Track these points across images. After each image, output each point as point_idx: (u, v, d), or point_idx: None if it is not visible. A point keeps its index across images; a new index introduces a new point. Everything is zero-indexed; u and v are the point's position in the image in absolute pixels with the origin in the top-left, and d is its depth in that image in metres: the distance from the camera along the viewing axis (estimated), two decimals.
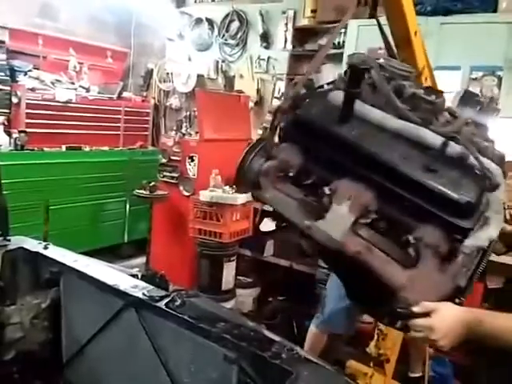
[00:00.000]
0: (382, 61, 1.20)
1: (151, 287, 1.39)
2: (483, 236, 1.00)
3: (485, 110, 1.16)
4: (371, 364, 2.19)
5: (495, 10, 3.31)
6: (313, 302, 3.39)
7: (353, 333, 2.81)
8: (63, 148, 4.26)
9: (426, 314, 0.97)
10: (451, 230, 1.00)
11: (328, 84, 1.27)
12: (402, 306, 0.98)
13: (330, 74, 1.30)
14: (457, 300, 1.02)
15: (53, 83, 4.28)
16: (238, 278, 3.77)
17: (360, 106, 1.14)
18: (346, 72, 1.19)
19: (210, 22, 5.16)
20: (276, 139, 1.22)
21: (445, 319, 0.96)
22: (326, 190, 1.10)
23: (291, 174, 1.18)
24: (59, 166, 4.11)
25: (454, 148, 1.04)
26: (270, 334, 1.20)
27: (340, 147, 1.11)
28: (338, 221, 1.05)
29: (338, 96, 1.16)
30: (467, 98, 1.17)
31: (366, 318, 2.99)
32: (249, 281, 3.90)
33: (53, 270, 1.57)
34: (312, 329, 2.78)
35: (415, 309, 0.97)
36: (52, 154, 4.13)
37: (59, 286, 1.58)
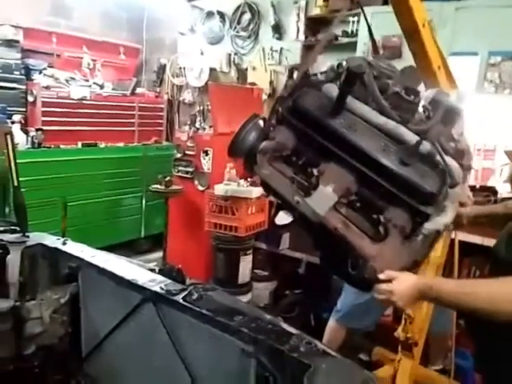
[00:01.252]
0: (371, 59, 1.34)
1: (168, 281, 1.39)
2: (440, 221, 1.17)
3: (452, 112, 1.29)
4: (399, 348, 2.23)
5: None
6: (329, 294, 3.38)
7: (373, 328, 2.79)
8: (79, 145, 4.31)
9: (389, 281, 1.17)
10: (415, 214, 1.19)
11: (321, 73, 1.39)
12: (370, 273, 1.17)
13: (323, 64, 1.38)
14: (413, 271, 1.23)
15: (67, 81, 4.33)
16: (255, 271, 3.77)
17: (350, 101, 1.27)
18: (338, 65, 1.33)
19: (222, 14, 5.13)
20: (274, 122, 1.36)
21: (403, 285, 1.17)
22: (315, 171, 1.26)
23: (284, 154, 1.33)
24: (76, 163, 4.16)
25: (425, 146, 1.19)
26: (288, 326, 1.20)
27: (329, 135, 1.25)
28: (322, 199, 1.22)
29: (331, 88, 1.30)
30: (437, 101, 1.29)
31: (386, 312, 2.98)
32: (265, 274, 3.90)
33: (71, 265, 1.59)
34: (331, 323, 2.77)
35: (380, 276, 1.17)
36: (68, 151, 4.19)
37: (78, 281, 1.60)
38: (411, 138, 1.20)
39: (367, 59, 1.32)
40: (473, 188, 2.94)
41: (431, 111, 1.28)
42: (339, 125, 1.24)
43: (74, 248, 1.65)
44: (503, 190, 3.15)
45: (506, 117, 3.28)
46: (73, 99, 4.27)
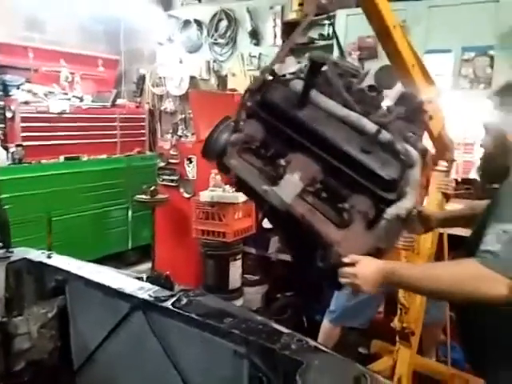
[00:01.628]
0: (336, 59, 1.43)
1: (157, 288, 1.38)
2: (402, 206, 1.21)
3: (416, 110, 1.37)
4: (397, 338, 2.27)
5: None
6: (321, 295, 3.39)
7: (367, 326, 2.81)
8: (61, 159, 4.26)
9: (352, 264, 1.20)
10: (378, 201, 1.23)
11: (290, 74, 1.45)
12: (335, 257, 1.21)
13: (291, 65, 1.45)
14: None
15: (46, 95, 4.29)
16: (245, 276, 3.76)
17: (315, 95, 1.33)
18: (306, 66, 1.39)
19: (199, 23, 5.16)
20: (244, 116, 1.41)
21: (366, 268, 1.20)
22: (282, 162, 1.29)
23: (254, 147, 1.37)
24: (58, 177, 4.11)
25: (384, 135, 1.24)
26: (279, 326, 1.20)
27: (296, 127, 1.31)
28: (289, 187, 1.26)
29: (298, 84, 1.35)
30: (404, 98, 1.37)
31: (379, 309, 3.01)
32: (256, 278, 3.89)
33: (58, 278, 1.57)
34: (325, 323, 2.77)
35: (345, 260, 1.20)
36: (50, 166, 4.13)
37: (65, 294, 1.58)
38: (371, 127, 1.26)
39: (333, 58, 1.41)
40: (454, 181, 2.99)
41: (395, 107, 1.34)
42: (305, 116, 1.30)
43: (60, 261, 1.63)
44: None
45: (482, 111, 3.34)
46: (52, 113, 4.23)
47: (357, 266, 1.19)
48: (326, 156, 1.27)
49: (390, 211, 1.20)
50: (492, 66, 3.18)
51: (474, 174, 3.47)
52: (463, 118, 3.38)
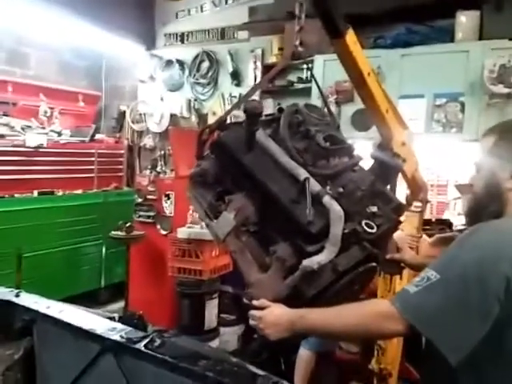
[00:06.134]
0: (301, 107, 1.50)
1: (129, 329, 1.33)
2: (315, 260, 1.21)
3: (388, 162, 1.46)
4: (375, 381, 2.25)
5: (452, 40, 3.49)
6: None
7: (326, 349, 2.90)
8: (35, 193, 4.17)
9: (262, 308, 1.24)
10: (298, 251, 1.26)
11: (266, 115, 1.53)
12: (247, 299, 1.28)
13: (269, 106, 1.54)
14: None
15: (23, 129, 4.25)
16: (221, 315, 3.68)
17: (265, 140, 1.41)
18: (279, 109, 1.53)
19: (181, 62, 5.26)
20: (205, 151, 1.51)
21: (272, 314, 1.24)
22: (226, 199, 1.40)
23: (210, 182, 1.47)
24: (31, 212, 4.02)
25: (313, 187, 1.28)
26: (254, 368, 1.17)
27: (241, 169, 1.39)
28: (224, 224, 1.35)
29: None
30: (379, 150, 1.47)
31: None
32: (232, 318, 3.81)
33: (25, 318, 1.51)
34: (300, 352, 2.88)
35: (254, 302, 1.26)
36: (23, 201, 4.04)
37: (32, 335, 1.51)
38: (303, 177, 1.30)
39: (297, 107, 1.49)
40: (429, 221, 3.05)
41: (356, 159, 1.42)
42: (247, 160, 1.38)
43: (28, 300, 1.57)
44: (458, 223, 3.28)
45: (454, 153, 3.47)
46: (28, 147, 4.17)
47: (264, 311, 1.24)
48: (263, 201, 1.34)
49: (304, 263, 1.21)
50: (463, 112, 3.32)
51: (447, 215, 3.55)
52: (436, 161, 3.49)
